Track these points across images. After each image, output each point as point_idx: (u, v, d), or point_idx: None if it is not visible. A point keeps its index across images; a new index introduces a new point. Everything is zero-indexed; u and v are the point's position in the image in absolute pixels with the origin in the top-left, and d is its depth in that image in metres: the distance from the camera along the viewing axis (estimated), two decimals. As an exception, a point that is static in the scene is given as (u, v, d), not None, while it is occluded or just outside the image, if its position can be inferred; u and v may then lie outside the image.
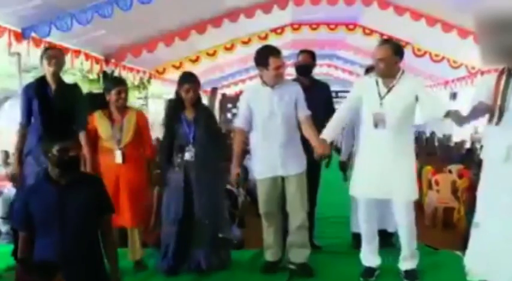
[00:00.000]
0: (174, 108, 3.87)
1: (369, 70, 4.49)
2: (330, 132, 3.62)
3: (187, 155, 3.75)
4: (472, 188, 5.61)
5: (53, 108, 3.74)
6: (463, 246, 4.73)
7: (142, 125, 3.96)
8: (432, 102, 3.44)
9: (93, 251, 2.80)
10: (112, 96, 3.85)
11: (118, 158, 3.80)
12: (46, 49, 3.96)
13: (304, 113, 3.74)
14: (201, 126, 3.80)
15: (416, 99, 3.41)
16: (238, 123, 3.81)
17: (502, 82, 3.18)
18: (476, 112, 3.31)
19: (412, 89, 3.42)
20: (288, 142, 3.68)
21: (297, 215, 3.74)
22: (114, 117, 3.89)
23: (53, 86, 3.77)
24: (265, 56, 3.65)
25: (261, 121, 3.70)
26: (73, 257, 2.66)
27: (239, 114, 3.84)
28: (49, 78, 3.77)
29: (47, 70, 3.75)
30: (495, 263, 3.17)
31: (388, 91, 3.44)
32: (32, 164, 3.75)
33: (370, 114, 3.48)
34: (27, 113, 3.79)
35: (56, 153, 2.69)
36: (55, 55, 3.80)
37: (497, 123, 3.18)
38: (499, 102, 3.17)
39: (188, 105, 3.83)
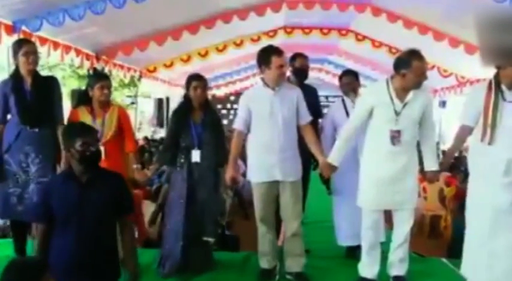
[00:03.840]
0: (183, 109, 3.88)
1: (343, 76, 4.43)
2: (338, 156, 3.56)
3: (194, 158, 3.75)
4: (459, 196, 5.67)
5: (30, 103, 3.69)
6: (450, 254, 4.79)
7: (124, 121, 3.92)
8: (429, 133, 3.52)
9: (110, 249, 2.76)
10: (95, 91, 3.80)
11: None
12: (20, 43, 3.84)
13: (306, 119, 3.72)
14: (208, 129, 3.81)
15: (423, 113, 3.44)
16: (237, 125, 3.71)
17: (491, 101, 3.18)
18: (458, 141, 3.49)
19: (424, 105, 3.41)
20: (287, 146, 3.62)
21: (291, 223, 3.67)
22: (97, 113, 3.84)
23: (28, 80, 3.72)
24: (268, 55, 3.60)
25: (260, 123, 3.63)
26: (89, 254, 2.63)
27: (238, 116, 3.75)
28: (24, 73, 3.71)
29: (23, 66, 3.69)
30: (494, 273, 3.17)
31: (403, 107, 3.39)
32: (8, 162, 3.70)
33: (385, 130, 3.41)
34: (3, 110, 3.74)
35: (78, 148, 2.64)
36: (33, 51, 3.74)
37: (490, 143, 3.18)
38: (489, 121, 3.17)
39: (197, 105, 3.83)
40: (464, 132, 3.41)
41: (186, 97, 3.87)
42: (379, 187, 3.46)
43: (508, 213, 3.14)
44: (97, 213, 2.67)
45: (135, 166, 3.95)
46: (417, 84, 3.35)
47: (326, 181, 4.32)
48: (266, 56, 3.61)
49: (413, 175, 3.52)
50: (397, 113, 3.38)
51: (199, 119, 3.83)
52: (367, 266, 3.61)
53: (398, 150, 3.40)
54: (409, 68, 3.29)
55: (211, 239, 3.81)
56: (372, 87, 3.60)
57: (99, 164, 2.82)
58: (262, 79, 3.69)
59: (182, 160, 3.79)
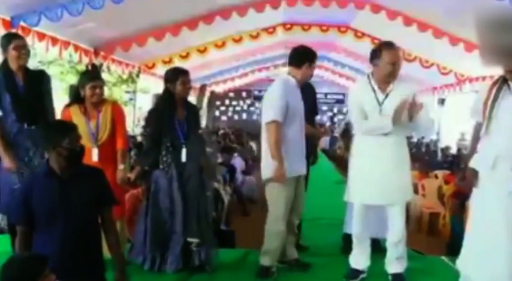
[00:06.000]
0: (167, 106, 3.74)
1: None
2: None
3: (182, 156, 3.68)
4: (458, 194, 5.68)
5: (25, 100, 3.62)
6: (448, 251, 4.79)
7: (117, 118, 3.81)
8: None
9: (95, 244, 2.76)
10: (86, 91, 3.67)
11: (94, 156, 3.67)
12: (10, 37, 3.74)
13: None
14: (192, 125, 3.77)
15: None
16: (279, 116, 3.56)
17: (494, 91, 3.19)
18: (474, 139, 3.40)
19: (406, 95, 3.41)
20: (304, 141, 3.79)
21: (299, 215, 3.89)
22: (90, 113, 3.73)
23: (20, 75, 3.65)
24: (313, 54, 3.78)
25: (293, 120, 3.65)
26: (75, 251, 2.63)
27: (278, 107, 3.57)
28: (15, 68, 3.63)
29: (14, 60, 3.60)
30: (486, 268, 3.16)
31: (386, 97, 3.46)
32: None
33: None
34: None
35: (67, 145, 2.62)
36: (24, 45, 3.66)
37: (486, 132, 3.19)
38: (487, 112, 3.18)
39: (179, 101, 3.75)
40: (477, 128, 3.39)
41: (168, 92, 3.75)
42: (365, 180, 3.52)
43: (501, 209, 3.12)
44: (80, 209, 2.67)
45: (121, 167, 3.76)
46: (391, 73, 3.43)
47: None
48: (312, 54, 3.77)
49: (403, 170, 3.53)
50: (379, 103, 3.46)
51: (183, 115, 3.76)
52: (357, 258, 3.68)
53: (384, 142, 3.44)
54: (380, 58, 3.43)
55: (195, 240, 3.70)
56: (355, 86, 3.74)
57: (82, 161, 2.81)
58: (289, 74, 3.74)
59: (169, 160, 3.68)
